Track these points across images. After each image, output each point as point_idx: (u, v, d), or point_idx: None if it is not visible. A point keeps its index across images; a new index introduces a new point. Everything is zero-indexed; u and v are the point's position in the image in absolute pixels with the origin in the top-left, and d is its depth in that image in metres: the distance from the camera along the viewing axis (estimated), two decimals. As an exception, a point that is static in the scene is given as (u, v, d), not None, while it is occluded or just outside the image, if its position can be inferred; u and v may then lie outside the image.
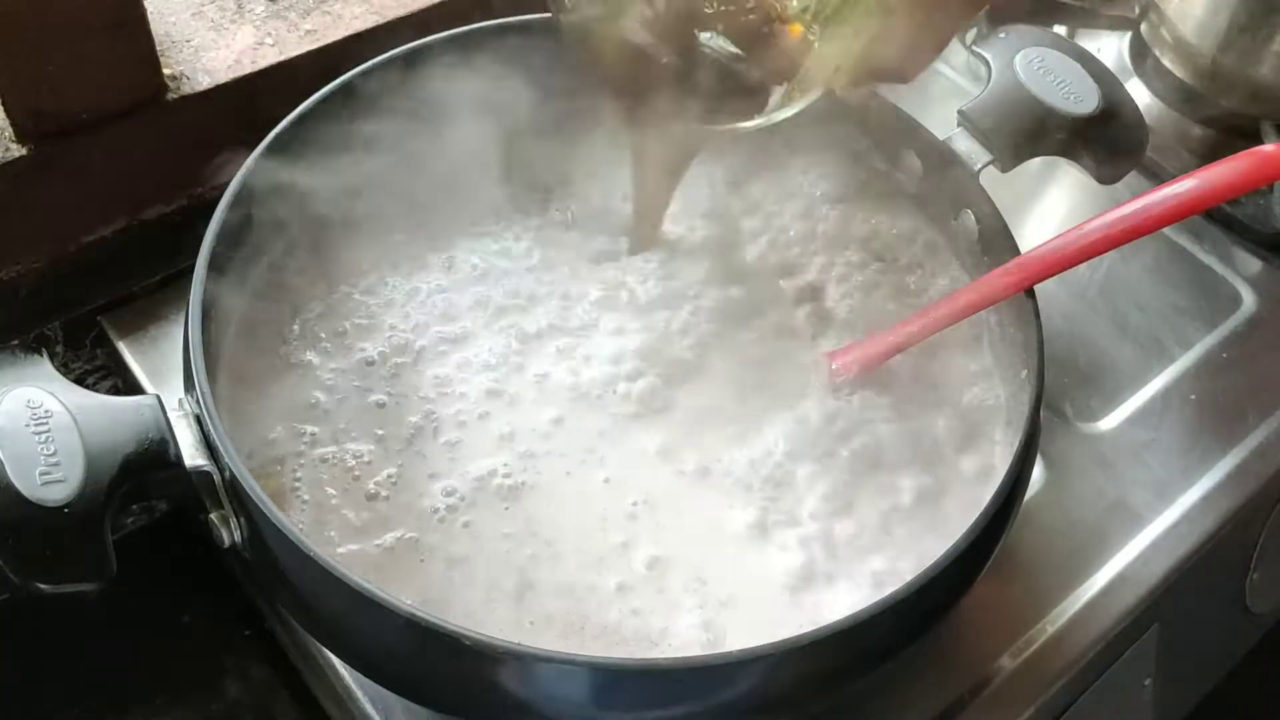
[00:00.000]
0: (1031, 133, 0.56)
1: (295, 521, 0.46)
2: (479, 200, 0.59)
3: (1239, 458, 0.61)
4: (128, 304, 0.61)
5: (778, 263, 0.58)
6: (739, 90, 0.52)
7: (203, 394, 0.43)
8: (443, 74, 0.56)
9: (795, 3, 0.49)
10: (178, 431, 0.42)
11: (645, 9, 0.51)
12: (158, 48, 0.56)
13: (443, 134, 0.58)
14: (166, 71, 0.58)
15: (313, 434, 0.49)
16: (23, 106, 0.53)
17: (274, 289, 0.54)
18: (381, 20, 0.63)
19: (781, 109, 0.51)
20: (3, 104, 0.54)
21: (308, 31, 0.62)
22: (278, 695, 0.56)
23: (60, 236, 0.58)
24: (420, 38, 0.56)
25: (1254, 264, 0.70)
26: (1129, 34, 0.81)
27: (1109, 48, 0.81)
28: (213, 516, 0.43)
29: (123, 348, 0.59)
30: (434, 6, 0.64)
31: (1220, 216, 0.71)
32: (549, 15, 0.56)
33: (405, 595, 0.43)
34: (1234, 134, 0.75)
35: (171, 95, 0.58)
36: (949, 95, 0.76)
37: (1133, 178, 0.60)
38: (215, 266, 0.48)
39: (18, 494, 0.38)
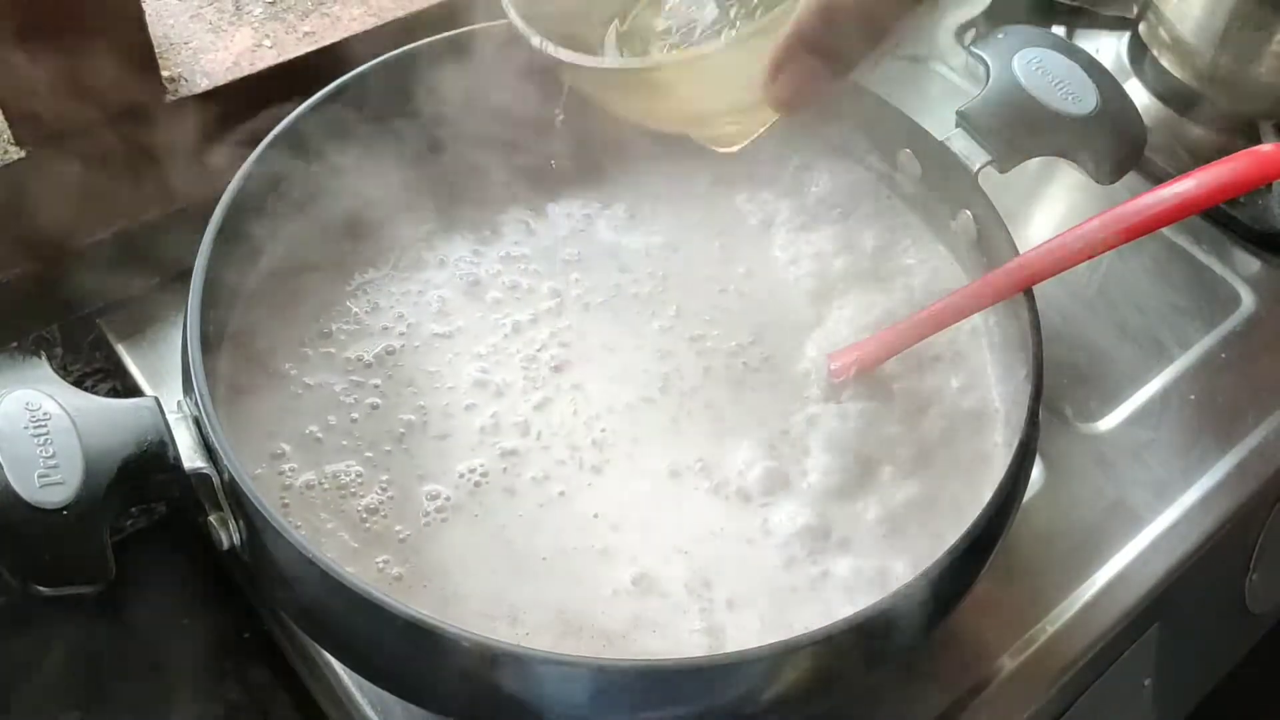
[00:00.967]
0: (1030, 133, 0.56)
1: (293, 524, 0.46)
2: (478, 199, 0.59)
3: (1239, 458, 0.61)
4: (126, 306, 0.61)
5: (777, 262, 0.58)
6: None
7: (201, 396, 0.43)
8: (438, 76, 0.57)
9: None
10: (176, 434, 0.42)
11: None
12: (156, 50, 0.56)
13: (442, 134, 0.58)
14: (165, 73, 0.58)
15: (315, 438, 0.50)
16: (21, 109, 0.53)
17: (273, 289, 0.54)
18: (380, 22, 0.63)
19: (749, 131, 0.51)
20: (1, 107, 0.54)
21: (306, 33, 0.62)
22: (277, 698, 0.56)
23: (59, 239, 0.58)
24: (418, 40, 0.56)
25: (1253, 264, 0.70)
26: (1128, 34, 0.81)
27: (1108, 48, 0.81)
28: (211, 519, 0.43)
29: (121, 350, 0.59)
30: (432, 8, 0.64)
31: (1220, 216, 0.71)
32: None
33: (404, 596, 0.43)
34: (1233, 134, 0.75)
35: (170, 97, 0.58)
36: (947, 95, 0.76)
37: (1132, 178, 0.60)
38: (214, 268, 0.48)
39: (16, 496, 0.38)
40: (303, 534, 0.42)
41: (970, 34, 0.81)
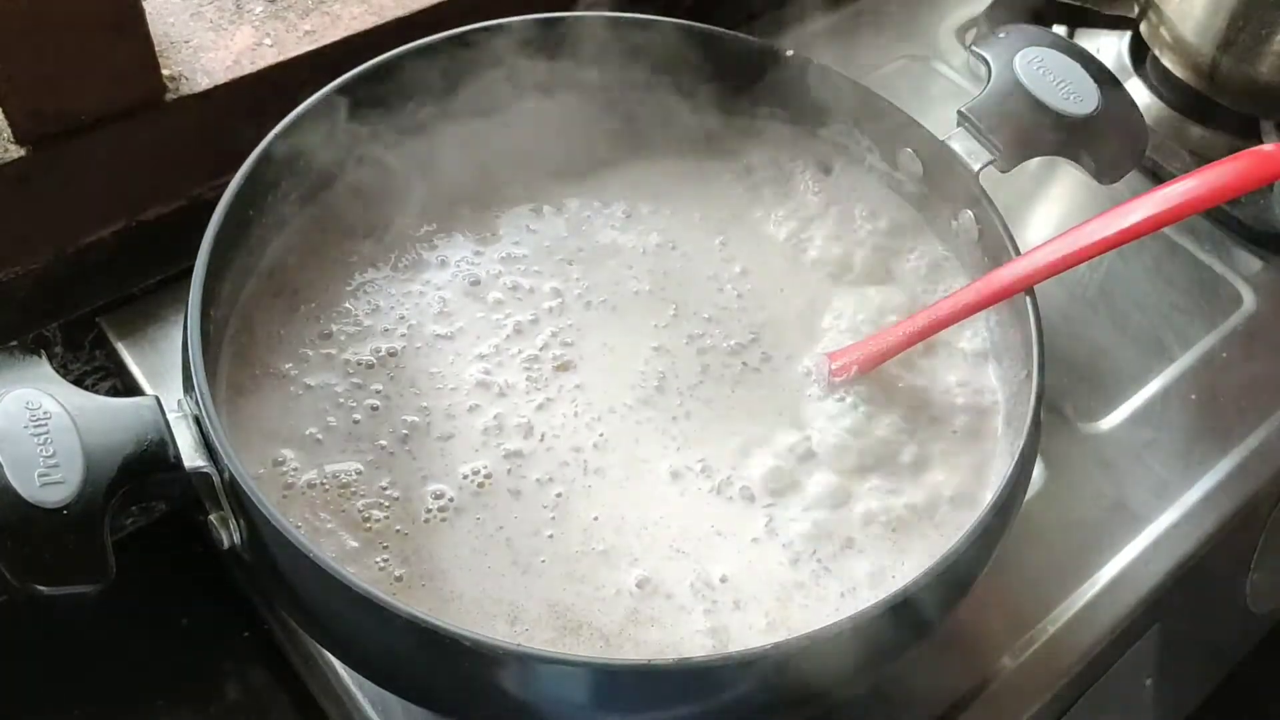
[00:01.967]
0: (1031, 133, 0.56)
1: (293, 523, 0.46)
2: (478, 199, 0.59)
3: (1239, 458, 0.61)
4: (126, 305, 0.61)
5: (777, 262, 0.58)
6: None
7: (202, 395, 0.43)
8: (439, 74, 0.56)
9: None
10: (177, 432, 0.42)
11: None
12: (157, 48, 0.56)
13: (442, 134, 0.58)
14: (165, 72, 0.58)
15: (316, 439, 0.49)
16: (22, 107, 0.53)
17: (274, 289, 0.54)
18: (380, 21, 0.63)
19: None
20: (2, 105, 0.54)
21: (306, 32, 0.62)
22: (277, 697, 0.56)
23: (59, 238, 0.58)
24: (417, 38, 0.56)
25: (1254, 264, 0.70)
26: (1129, 34, 0.81)
27: (1109, 47, 0.81)
28: (212, 518, 0.43)
29: (122, 349, 0.59)
30: (432, 8, 0.64)
31: (1220, 216, 0.71)
32: (545, 17, 0.56)
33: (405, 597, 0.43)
34: (1234, 134, 0.75)
35: (170, 96, 0.58)
36: (949, 95, 0.76)
37: (1133, 178, 0.60)
38: (214, 267, 0.47)
39: (17, 495, 0.38)
40: (303, 533, 0.42)
41: (971, 33, 0.81)
